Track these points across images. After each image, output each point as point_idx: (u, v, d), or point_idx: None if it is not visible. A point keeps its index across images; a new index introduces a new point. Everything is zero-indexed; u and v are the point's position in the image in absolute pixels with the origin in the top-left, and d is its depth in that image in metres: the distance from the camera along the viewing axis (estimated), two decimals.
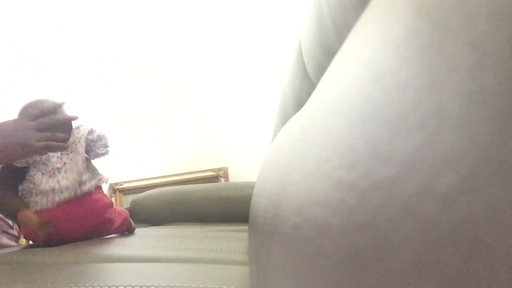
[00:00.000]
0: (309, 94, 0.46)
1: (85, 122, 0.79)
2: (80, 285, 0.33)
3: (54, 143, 0.68)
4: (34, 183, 0.66)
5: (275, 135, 0.85)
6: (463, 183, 0.07)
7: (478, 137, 0.07)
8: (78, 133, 0.75)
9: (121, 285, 0.33)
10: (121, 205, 1.85)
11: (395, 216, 0.10)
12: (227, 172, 1.86)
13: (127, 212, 0.82)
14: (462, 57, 0.08)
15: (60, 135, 0.70)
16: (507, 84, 0.07)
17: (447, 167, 0.08)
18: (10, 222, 0.86)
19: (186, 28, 1.89)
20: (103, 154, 0.79)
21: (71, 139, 0.73)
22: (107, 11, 1.89)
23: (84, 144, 0.74)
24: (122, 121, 1.93)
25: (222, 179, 1.85)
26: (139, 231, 0.87)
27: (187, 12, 1.88)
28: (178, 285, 0.34)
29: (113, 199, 1.82)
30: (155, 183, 1.82)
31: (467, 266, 0.07)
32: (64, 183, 0.67)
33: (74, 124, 0.77)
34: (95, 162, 0.80)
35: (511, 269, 0.06)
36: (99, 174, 0.76)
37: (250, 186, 1.15)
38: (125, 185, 1.91)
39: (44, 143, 0.67)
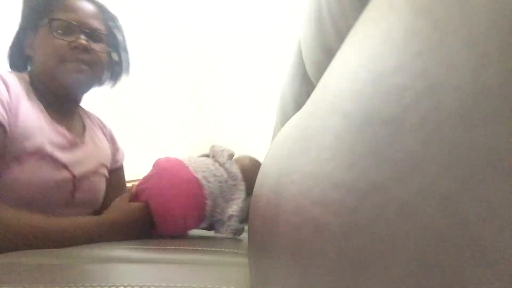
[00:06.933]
0: (309, 94, 0.46)
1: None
2: (80, 285, 0.33)
3: None
4: None
5: (275, 135, 0.85)
6: (463, 183, 0.07)
7: (478, 137, 0.07)
8: None
9: (121, 285, 0.33)
10: None
11: (394, 217, 0.10)
12: None
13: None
14: (462, 56, 0.08)
15: None
16: (507, 83, 0.07)
17: (446, 167, 0.08)
18: None
19: (184, 28, 1.89)
20: None
21: None
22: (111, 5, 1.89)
23: None
24: (122, 121, 1.93)
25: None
26: None
27: (184, 13, 1.88)
28: (178, 285, 0.34)
29: None
30: None
31: (467, 266, 0.07)
32: None
33: None
34: None
35: (511, 269, 0.06)
36: None
37: None
38: None
39: None
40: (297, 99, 0.52)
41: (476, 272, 0.07)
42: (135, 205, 0.72)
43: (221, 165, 0.77)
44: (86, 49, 0.69)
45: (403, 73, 0.11)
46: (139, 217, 0.71)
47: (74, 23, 0.68)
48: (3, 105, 0.60)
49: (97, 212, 0.78)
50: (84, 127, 0.82)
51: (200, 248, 0.58)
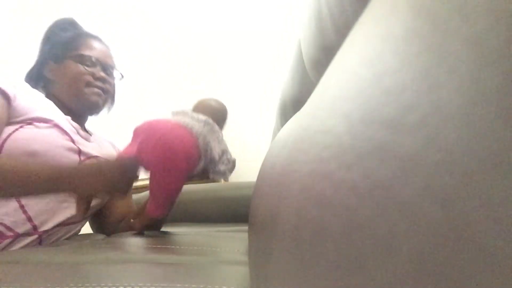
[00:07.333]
0: (309, 94, 0.46)
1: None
2: (80, 285, 0.33)
3: None
4: None
5: (275, 135, 0.85)
6: (463, 183, 0.07)
7: (478, 137, 0.07)
8: None
9: (121, 285, 0.33)
10: None
11: (394, 217, 0.10)
12: None
13: None
14: (462, 56, 0.08)
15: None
16: (507, 83, 0.07)
17: (447, 167, 0.08)
18: None
19: (184, 28, 1.89)
20: None
21: None
22: (112, 5, 1.89)
23: None
24: (121, 121, 1.93)
25: (222, 179, 1.84)
26: None
27: (184, 13, 1.88)
28: (178, 285, 0.34)
29: None
30: None
31: (467, 267, 0.07)
32: None
33: None
34: None
35: (511, 269, 0.06)
36: None
37: (250, 186, 1.15)
38: None
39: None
40: (297, 99, 0.52)
41: (476, 272, 0.07)
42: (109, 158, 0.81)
43: (188, 117, 0.77)
44: (104, 80, 0.93)
45: (403, 73, 0.11)
46: (108, 166, 0.75)
47: (97, 59, 0.92)
48: (10, 84, 0.77)
49: (105, 205, 0.94)
50: (91, 135, 0.98)
51: (200, 248, 0.58)
